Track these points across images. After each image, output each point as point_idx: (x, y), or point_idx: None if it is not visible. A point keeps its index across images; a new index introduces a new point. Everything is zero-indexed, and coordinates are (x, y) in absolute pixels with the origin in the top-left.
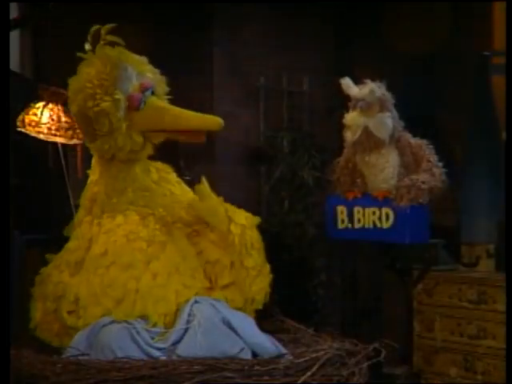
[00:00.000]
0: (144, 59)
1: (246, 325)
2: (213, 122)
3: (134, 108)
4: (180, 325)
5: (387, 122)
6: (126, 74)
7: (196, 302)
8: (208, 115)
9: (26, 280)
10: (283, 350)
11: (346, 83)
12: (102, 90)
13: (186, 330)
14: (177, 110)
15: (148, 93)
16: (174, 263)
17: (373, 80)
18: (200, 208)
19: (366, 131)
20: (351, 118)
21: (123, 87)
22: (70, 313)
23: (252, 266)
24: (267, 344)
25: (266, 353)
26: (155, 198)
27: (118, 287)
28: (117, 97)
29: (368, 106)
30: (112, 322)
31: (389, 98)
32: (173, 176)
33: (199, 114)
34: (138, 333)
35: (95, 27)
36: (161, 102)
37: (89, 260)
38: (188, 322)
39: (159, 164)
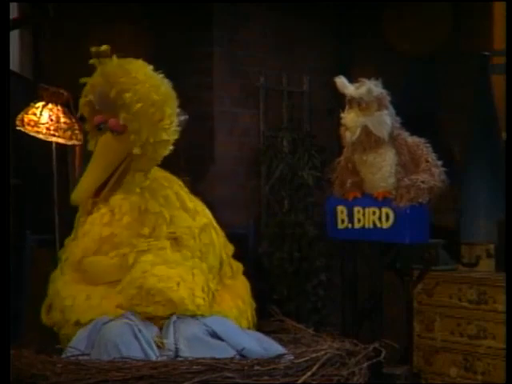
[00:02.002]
0: (138, 102)
1: (231, 331)
2: (73, 195)
3: (94, 125)
4: (169, 345)
5: (386, 120)
6: (105, 99)
7: (178, 317)
8: (80, 187)
9: (36, 279)
10: (274, 352)
11: (342, 82)
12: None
13: (177, 349)
14: (93, 161)
15: (103, 126)
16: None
17: (370, 79)
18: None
19: (366, 130)
20: (350, 118)
21: (101, 104)
22: (47, 310)
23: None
24: (254, 347)
25: (254, 355)
26: (125, 208)
27: (62, 299)
28: (82, 101)
29: (366, 104)
30: (112, 320)
31: (385, 95)
32: (164, 191)
33: (81, 180)
34: (139, 330)
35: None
36: (101, 142)
37: (60, 260)
38: (175, 342)
39: (160, 171)
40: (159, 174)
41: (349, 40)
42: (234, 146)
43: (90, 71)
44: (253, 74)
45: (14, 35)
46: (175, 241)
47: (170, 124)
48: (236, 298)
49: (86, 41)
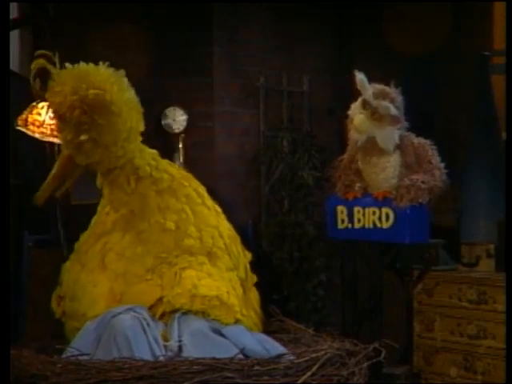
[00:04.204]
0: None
1: (234, 329)
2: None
3: None
4: (173, 342)
5: (394, 136)
6: None
7: (182, 313)
8: (44, 188)
9: (34, 279)
10: (276, 353)
11: (361, 80)
12: None
13: (180, 346)
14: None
15: None
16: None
17: (380, 81)
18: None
19: (372, 140)
20: (361, 121)
21: None
22: (58, 301)
23: (198, 309)
24: (255, 347)
25: (255, 355)
26: (146, 207)
27: (81, 287)
28: None
29: (379, 117)
30: (123, 312)
31: (401, 107)
32: (185, 190)
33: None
34: (148, 325)
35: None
36: None
37: (78, 254)
38: (179, 337)
39: (179, 172)
40: (178, 174)
41: (349, 40)
42: (234, 146)
43: None
44: (253, 74)
45: (14, 35)
46: (210, 254)
47: (93, 126)
48: (250, 308)
49: (86, 41)
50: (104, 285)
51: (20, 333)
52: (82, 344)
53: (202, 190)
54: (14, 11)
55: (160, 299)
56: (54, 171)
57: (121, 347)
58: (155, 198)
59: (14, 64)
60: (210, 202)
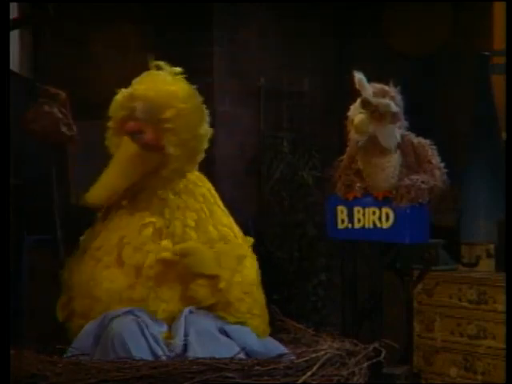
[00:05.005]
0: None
1: (240, 329)
2: (91, 193)
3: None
4: (179, 340)
5: (396, 134)
6: (150, 112)
7: (190, 312)
8: (101, 187)
9: (34, 279)
10: (277, 353)
11: (360, 80)
12: None
13: (186, 344)
14: (118, 165)
15: (136, 136)
16: None
17: (380, 81)
18: (186, 265)
19: (374, 139)
20: (361, 121)
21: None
22: (64, 305)
23: (244, 311)
24: (259, 349)
25: (256, 355)
26: (165, 210)
27: (96, 284)
28: (121, 98)
29: (380, 115)
30: (121, 315)
31: (401, 106)
32: (201, 189)
33: (102, 180)
34: (147, 326)
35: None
36: (122, 147)
37: (89, 250)
38: (186, 335)
39: (192, 173)
40: (191, 174)
41: (349, 40)
42: (234, 146)
43: (89, 71)
44: (253, 74)
45: (14, 35)
46: None
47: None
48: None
49: (85, 41)
50: (121, 281)
51: (20, 333)
52: (81, 346)
53: (214, 190)
54: (14, 11)
55: (216, 277)
56: (129, 173)
57: (118, 351)
58: (174, 200)
59: (14, 64)
60: (220, 202)
